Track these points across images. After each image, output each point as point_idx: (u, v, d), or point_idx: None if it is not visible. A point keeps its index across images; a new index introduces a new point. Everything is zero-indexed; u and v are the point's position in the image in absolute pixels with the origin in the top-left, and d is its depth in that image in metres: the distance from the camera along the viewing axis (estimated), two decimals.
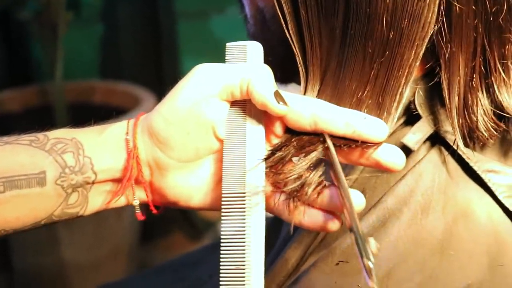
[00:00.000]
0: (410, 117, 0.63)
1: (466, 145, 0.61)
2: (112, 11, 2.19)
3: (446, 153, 0.62)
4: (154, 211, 0.64)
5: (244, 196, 0.58)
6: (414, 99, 0.62)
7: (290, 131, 0.60)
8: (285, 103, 0.58)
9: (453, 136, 0.61)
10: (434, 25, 0.58)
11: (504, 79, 0.61)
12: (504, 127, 0.62)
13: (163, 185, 0.62)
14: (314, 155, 0.58)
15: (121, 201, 0.63)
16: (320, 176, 0.58)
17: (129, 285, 1.10)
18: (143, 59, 2.24)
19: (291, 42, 0.62)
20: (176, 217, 2.14)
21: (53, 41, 1.86)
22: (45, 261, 1.80)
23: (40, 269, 1.82)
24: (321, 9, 0.59)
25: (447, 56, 0.60)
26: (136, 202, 0.63)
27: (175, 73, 2.23)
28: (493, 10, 0.59)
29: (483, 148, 0.63)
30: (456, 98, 0.60)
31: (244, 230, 0.57)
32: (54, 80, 1.89)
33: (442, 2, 0.57)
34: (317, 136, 0.59)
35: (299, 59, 0.62)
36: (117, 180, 0.62)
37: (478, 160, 0.61)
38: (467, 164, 0.61)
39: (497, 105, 0.62)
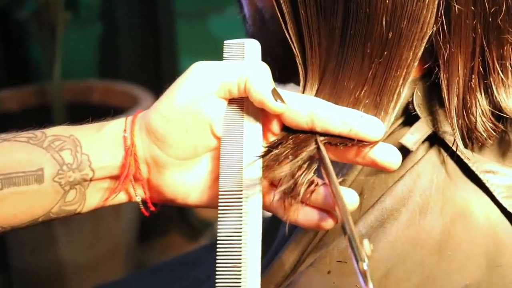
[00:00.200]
0: (409, 118, 0.63)
1: (464, 145, 0.61)
2: (111, 11, 2.19)
3: (445, 153, 0.62)
4: (152, 208, 0.64)
5: (241, 194, 0.58)
6: (412, 100, 0.62)
7: (287, 129, 0.60)
8: (282, 101, 0.58)
9: (452, 136, 0.61)
10: (433, 26, 0.58)
11: (502, 79, 0.61)
12: (503, 127, 0.62)
13: (160, 182, 0.62)
14: (305, 154, 0.58)
15: (119, 198, 0.63)
16: (312, 176, 0.58)
17: (126, 285, 1.10)
18: (142, 59, 2.24)
19: (290, 42, 0.62)
20: (174, 216, 2.14)
21: (52, 40, 1.86)
22: (43, 260, 1.80)
23: (38, 268, 1.82)
24: (320, 9, 0.59)
25: (446, 57, 0.60)
26: (138, 199, 0.63)
27: (173, 73, 2.21)
28: (492, 11, 0.59)
29: (481, 149, 0.63)
30: (455, 99, 0.60)
31: (240, 228, 0.57)
32: (53, 79, 1.89)
33: (441, 2, 0.57)
34: (314, 135, 0.59)
35: (298, 59, 0.62)
36: (115, 178, 0.62)
37: (476, 160, 0.61)
38: (466, 164, 0.61)
39: (495, 106, 0.62)
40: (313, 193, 0.58)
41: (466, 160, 0.61)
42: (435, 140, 0.62)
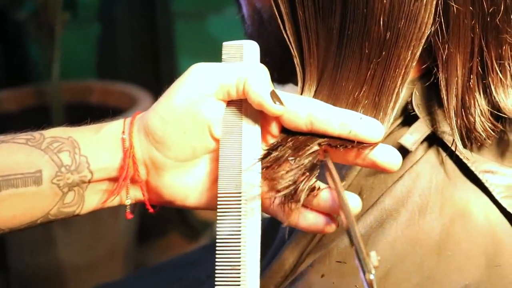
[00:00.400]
0: (408, 118, 0.63)
1: (463, 145, 0.61)
2: (109, 11, 2.19)
3: (443, 153, 0.62)
4: (151, 210, 0.64)
5: (240, 196, 0.58)
6: (411, 100, 0.62)
7: (286, 131, 0.60)
8: (281, 103, 0.57)
9: (451, 136, 0.61)
10: (431, 26, 0.58)
11: (501, 79, 0.61)
12: (501, 127, 0.62)
13: (159, 184, 0.62)
14: (307, 161, 0.58)
15: (117, 200, 0.63)
16: (314, 181, 0.58)
17: (125, 285, 1.10)
18: (140, 59, 2.24)
19: (288, 42, 0.62)
20: (173, 217, 2.14)
21: (50, 41, 1.86)
22: (42, 261, 1.80)
23: (37, 269, 1.82)
24: (318, 9, 0.59)
25: (444, 57, 0.60)
26: (128, 202, 0.63)
27: (172, 73, 2.21)
28: (490, 11, 0.59)
29: (480, 149, 0.64)
30: (454, 99, 0.60)
31: (239, 230, 0.57)
32: (51, 80, 1.89)
33: (439, 2, 0.57)
34: (313, 137, 0.59)
35: (296, 60, 0.62)
36: (113, 179, 0.62)
37: (475, 160, 0.61)
38: (465, 164, 0.61)
39: (494, 106, 0.62)
40: (314, 197, 0.58)
41: (465, 160, 0.61)
42: (434, 140, 0.62)
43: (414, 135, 0.61)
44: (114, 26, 2.18)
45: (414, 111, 0.62)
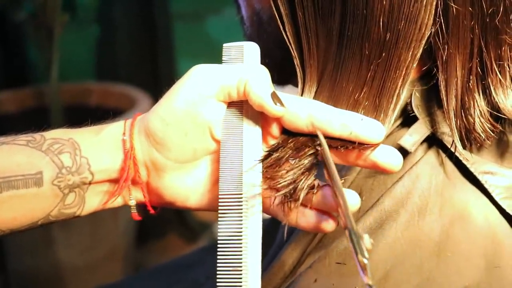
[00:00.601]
0: (407, 119, 0.63)
1: (463, 146, 0.61)
2: (108, 12, 2.18)
3: (443, 154, 0.62)
4: (152, 211, 0.64)
5: (241, 197, 0.58)
6: (411, 101, 0.62)
7: (287, 132, 0.60)
8: (282, 104, 0.57)
9: (450, 137, 0.61)
10: (431, 27, 0.58)
11: (500, 80, 0.61)
12: (501, 128, 0.62)
13: (160, 185, 0.62)
14: (307, 161, 0.58)
15: (118, 202, 0.63)
16: (313, 180, 0.58)
17: (125, 287, 1.10)
18: (139, 60, 2.24)
19: (288, 43, 0.62)
20: (172, 218, 2.13)
21: (49, 42, 1.85)
22: (41, 262, 1.80)
23: (36, 271, 1.82)
24: (318, 10, 0.59)
25: (444, 58, 0.60)
26: (132, 202, 0.63)
27: (171, 75, 2.22)
28: (489, 12, 0.59)
29: (479, 150, 0.63)
30: (454, 100, 0.60)
31: (241, 231, 0.57)
32: (50, 81, 1.89)
33: (439, 3, 0.57)
34: (313, 138, 0.59)
35: (296, 61, 0.62)
36: (114, 181, 0.62)
37: (475, 161, 0.61)
38: (464, 165, 0.61)
39: (493, 107, 0.62)
40: (313, 196, 0.58)
41: (464, 161, 0.61)
42: (433, 141, 0.62)
43: (413, 136, 0.61)
44: (113, 28, 2.18)
45: (413, 112, 0.62)
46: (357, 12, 0.57)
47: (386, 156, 0.57)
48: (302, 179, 0.57)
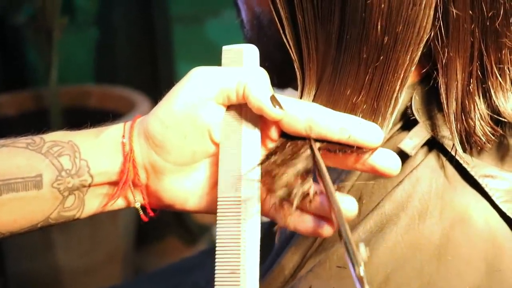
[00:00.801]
0: (407, 122, 0.63)
1: (463, 150, 0.61)
2: (107, 15, 2.19)
3: (443, 158, 0.62)
4: (151, 213, 0.64)
5: (239, 200, 0.58)
6: (411, 104, 0.62)
7: (286, 136, 0.60)
8: (281, 107, 0.57)
9: (451, 141, 0.61)
10: (431, 30, 0.58)
11: (500, 83, 0.61)
12: (501, 131, 0.62)
13: (159, 188, 0.62)
14: (304, 165, 0.58)
15: (117, 204, 0.63)
16: (310, 184, 0.58)
17: None
18: (138, 63, 2.24)
19: (288, 46, 0.62)
20: (171, 221, 2.13)
21: (48, 45, 1.86)
22: (40, 266, 1.80)
23: (35, 274, 1.81)
24: (318, 14, 0.59)
25: (444, 61, 0.60)
26: (137, 205, 0.63)
27: (170, 77, 2.23)
28: (489, 15, 0.59)
29: (480, 153, 0.63)
30: (454, 103, 0.60)
31: (239, 234, 0.57)
32: (49, 84, 1.89)
33: (438, 7, 0.57)
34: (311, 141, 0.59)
35: (296, 64, 0.62)
36: (114, 183, 0.62)
37: (475, 165, 0.61)
38: (465, 169, 0.61)
39: (493, 110, 0.62)
40: (310, 201, 0.58)
41: (465, 165, 0.61)
42: (434, 144, 0.62)
43: (414, 140, 0.61)
44: (112, 30, 2.18)
45: (413, 115, 0.62)
46: (355, 16, 0.57)
47: (384, 160, 0.57)
48: (298, 182, 0.57)
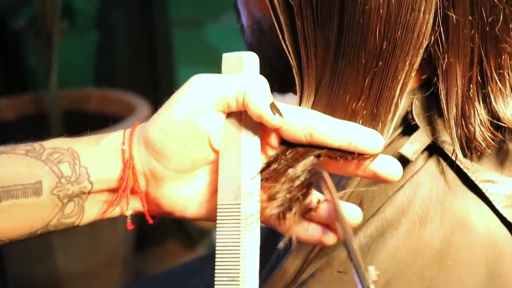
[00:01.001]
0: (408, 128, 0.63)
1: (464, 155, 0.61)
2: (107, 19, 2.19)
3: (444, 163, 0.62)
4: (150, 221, 0.64)
5: (239, 207, 0.58)
6: (411, 110, 0.62)
7: (286, 143, 0.60)
8: (280, 114, 0.57)
9: (451, 146, 0.61)
10: (431, 36, 0.58)
11: (500, 89, 0.61)
12: (501, 137, 0.62)
13: (158, 195, 0.62)
14: (305, 173, 0.57)
15: (117, 211, 0.63)
16: (311, 193, 0.58)
17: None
18: (138, 67, 2.24)
19: (287, 52, 0.62)
20: (171, 225, 2.13)
21: (48, 49, 1.86)
22: (40, 270, 1.80)
23: (34, 278, 1.81)
24: (317, 20, 0.59)
25: (444, 67, 0.60)
26: (128, 213, 0.63)
27: (170, 81, 2.23)
28: (489, 21, 0.59)
29: (480, 158, 0.63)
30: (454, 109, 0.60)
31: (239, 241, 0.57)
32: (49, 88, 1.89)
33: (438, 12, 0.57)
34: (312, 149, 0.59)
35: (294, 70, 0.62)
36: (113, 190, 0.61)
37: (475, 170, 0.61)
38: (465, 174, 0.61)
39: (493, 115, 0.62)
40: (312, 209, 0.58)
41: (465, 170, 0.61)
42: (434, 149, 0.62)
43: (414, 145, 0.61)
44: (112, 34, 2.19)
45: (414, 120, 0.62)
46: (354, 21, 0.57)
47: (386, 166, 0.57)
48: (299, 191, 0.57)
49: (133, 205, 0.63)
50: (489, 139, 0.61)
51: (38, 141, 0.62)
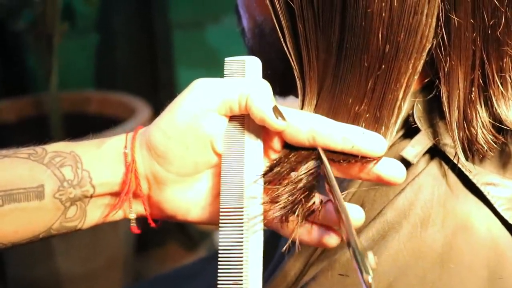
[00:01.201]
0: (409, 130, 0.63)
1: (465, 157, 0.61)
2: (107, 21, 2.19)
3: (445, 166, 0.62)
4: (152, 224, 0.64)
5: (242, 211, 0.58)
6: (413, 112, 0.62)
7: (289, 146, 0.60)
8: (283, 118, 0.57)
9: (453, 149, 0.61)
10: (433, 39, 0.58)
11: (502, 92, 0.61)
12: (503, 139, 0.62)
13: (161, 199, 0.62)
14: (308, 176, 0.57)
15: (119, 215, 0.63)
16: (314, 195, 0.58)
17: None
18: (138, 69, 2.25)
19: (289, 55, 0.62)
20: (172, 228, 2.13)
21: (48, 51, 1.86)
22: (41, 272, 1.80)
23: (35, 281, 1.81)
24: (318, 23, 0.59)
25: (446, 69, 0.60)
26: (132, 216, 0.63)
27: (170, 83, 2.23)
28: (491, 24, 0.59)
29: (482, 161, 0.63)
30: (456, 111, 0.61)
31: (242, 245, 0.57)
32: (50, 90, 1.89)
33: (440, 15, 0.57)
34: (315, 152, 0.59)
35: (296, 73, 0.62)
36: (115, 194, 0.62)
37: (477, 173, 0.61)
38: (467, 177, 0.61)
39: (495, 118, 0.62)
40: (315, 211, 0.58)
41: (467, 173, 0.61)
42: (435, 152, 0.62)
43: (416, 148, 0.61)
44: (112, 36, 2.19)
45: (415, 123, 0.62)
46: (356, 24, 0.57)
47: (389, 169, 0.57)
48: (302, 194, 0.57)
49: (135, 209, 0.63)
50: (491, 141, 0.61)
51: (40, 145, 0.62)
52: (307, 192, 0.57)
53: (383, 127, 0.59)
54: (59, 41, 1.85)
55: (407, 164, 0.61)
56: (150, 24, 2.19)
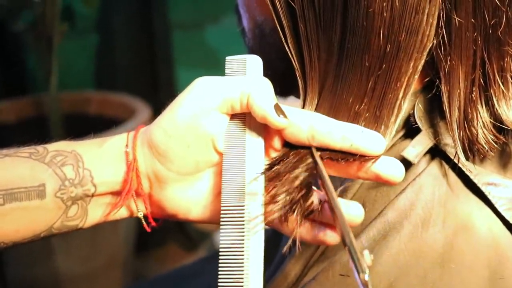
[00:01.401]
0: (410, 130, 0.63)
1: (466, 157, 0.61)
2: (107, 22, 2.19)
3: (446, 166, 0.62)
4: (153, 223, 0.64)
5: (243, 209, 0.58)
6: (413, 112, 0.62)
7: (289, 145, 0.60)
8: (285, 116, 0.57)
9: (453, 149, 0.61)
10: (434, 38, 0.58)
11: (503, 91, 0.61)
12: (504, 139, 0.62)
13: (162, 197, 0.62)
14: (307, 174, 0.57)
15: (120, 214, 0.63)
16: (312, 193, 0.58)
17: None
18: (138, 69, 2.24)
19: (290, 55, 0.62)
20: (172, 228, 2.13)
21: (48, 52, 1.86)
22: (41, 271, 1.79)
23: (35, 280, 1.81)
24: (320, 22, 0.59)
25: (446, 69, 0.60)
26: (140, 214, 0.63)
27: (170, 84, 2.23)
28: (492, 23, 0.59)
29: (482, 161, 0.63)
30: (457, 111, 0.61)
31: (243, 244, 0.57)
32: (49, 91, 1.89)
33: (441, 15, 0.57)
34: (310, 150, 0.59)
35: (298, 72, 0.62)
36: (117, 193, 0.62)
37: (478, 173, 0.61)
38: (467, 177, 0.61)
39: (496, 118, 0.62)
40: (314, 209, 0.58)
41: (467, 173, 0.61)
42: (436, 152, 0.62)
43: (416, 148, 0.61)
44: (112, 37, 2.19)
45: (416, 123, 0.62)
46: (357, 24, 0.57)
47: (388, 168, 0.57)
48: (299, 192, 0.57)
49: (135, 208, 0.63)
50: (492, 141, 0.61)
51: (41, 144, 0.62)
52: (305, 191, 0.57)
53: (382, 126, 0.59)
54: (59, 42, 1.85)
55: (408, 164, 0.61)
56: (149, 24, 2.19)
